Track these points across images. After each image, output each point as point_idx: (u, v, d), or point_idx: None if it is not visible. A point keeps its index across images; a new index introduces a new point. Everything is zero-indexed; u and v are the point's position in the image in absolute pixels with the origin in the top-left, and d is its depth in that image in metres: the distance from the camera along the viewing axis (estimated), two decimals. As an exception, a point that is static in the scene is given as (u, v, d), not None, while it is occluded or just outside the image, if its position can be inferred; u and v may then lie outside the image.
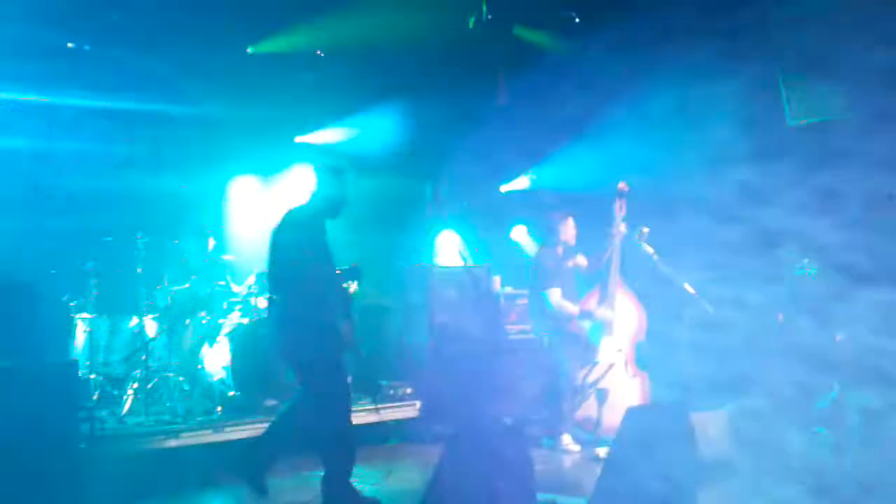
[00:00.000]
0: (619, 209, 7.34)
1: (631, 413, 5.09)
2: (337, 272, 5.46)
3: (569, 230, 7.40)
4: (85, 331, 7.37)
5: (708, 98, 7.99)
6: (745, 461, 5.99)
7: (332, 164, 5.73)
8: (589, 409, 7.15)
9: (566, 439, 7.13)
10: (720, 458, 5.91)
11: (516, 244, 10.93)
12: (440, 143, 10.13)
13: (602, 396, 7.08)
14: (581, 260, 7.51)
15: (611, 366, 7.16)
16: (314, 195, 5.57)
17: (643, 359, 7.32)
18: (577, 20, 9.27)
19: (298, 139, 10.31)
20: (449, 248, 9.67)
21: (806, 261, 9.37)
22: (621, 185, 7.39)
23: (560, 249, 7.41)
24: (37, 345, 6.16)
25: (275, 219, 5.56)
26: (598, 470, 5.50)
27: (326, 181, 5.57)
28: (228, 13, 8.48)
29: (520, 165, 10.89)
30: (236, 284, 7.97)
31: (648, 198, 7.67)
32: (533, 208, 10.50)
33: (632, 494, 4.76)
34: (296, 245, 5.36)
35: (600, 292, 7.27)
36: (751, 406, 6.60)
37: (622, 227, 7.30)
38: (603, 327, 7.20)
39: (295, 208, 5.58)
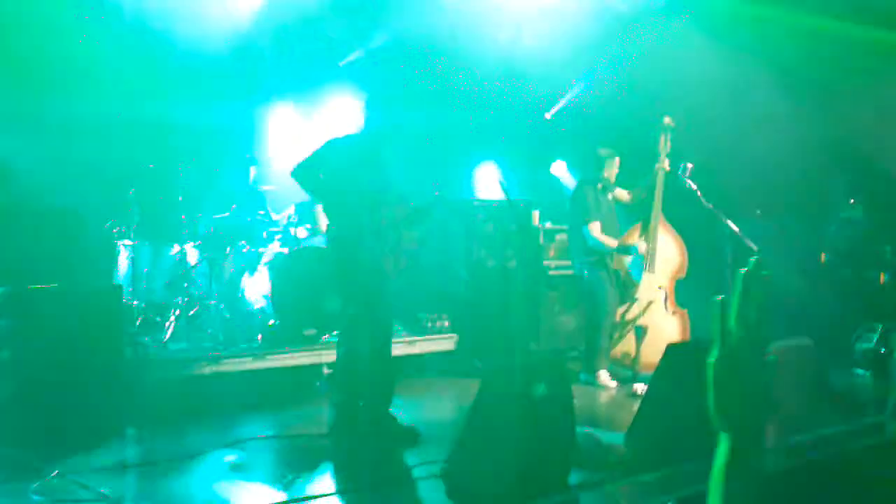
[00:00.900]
0: (664, 144, 7.21)
1: (670, 349, 5.07)
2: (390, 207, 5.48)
3: (614, 168, 7.28)
4: (128, 257, 7.45)
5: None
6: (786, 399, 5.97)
7: (381, 93, 5.69)
8: (627, 345, 7.13)
9: (603, 375, 7.13)
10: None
11: (556, 179, 10.83)
12: (482, 69, 9.98)
13: (641, 333, 7.04)
14: (621, 193, 7.41)
15: (650, 303, 7.11)
16: (367, 124, 5.55)
17: (683, 296, 7.26)
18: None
19: (343, 62, 10.18)
20: (488, 181, 9.61)
21: (852, 201, 9.22)
22: (666, 119, 7.24)
23: (600, 185, 7.30)
24: (81, 269, 6.26)
25: (322, 145, 5.57)
26: (635, 406, 5.51)
27: (375, 112, 5.55)
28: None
29: (563, 88, 10.73)
30: (276, 214, 7.98)
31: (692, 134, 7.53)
32: (576, 141, 10.37)
33: (669, 430, 4.76)
34: (347, 175, 5.37)
35: (641, 227, 7.18)
36: (793, 345, 6.54)
37: (665, 163, 7.17)
38: (643, 263, 7.13)
39: (345, 136, 5.57)
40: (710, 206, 6.99)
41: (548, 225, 8.90)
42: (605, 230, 7.16)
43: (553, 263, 8.60)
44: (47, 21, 8.13)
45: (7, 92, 7.72)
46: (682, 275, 7.17)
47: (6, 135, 7.94)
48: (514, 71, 10.01)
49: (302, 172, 5.46)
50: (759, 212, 9.58)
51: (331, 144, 5.51)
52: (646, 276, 7.13)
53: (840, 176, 9.76)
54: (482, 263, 8.36)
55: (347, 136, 5.62)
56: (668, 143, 7.21)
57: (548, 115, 11.03)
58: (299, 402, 6.77)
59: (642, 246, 7.05)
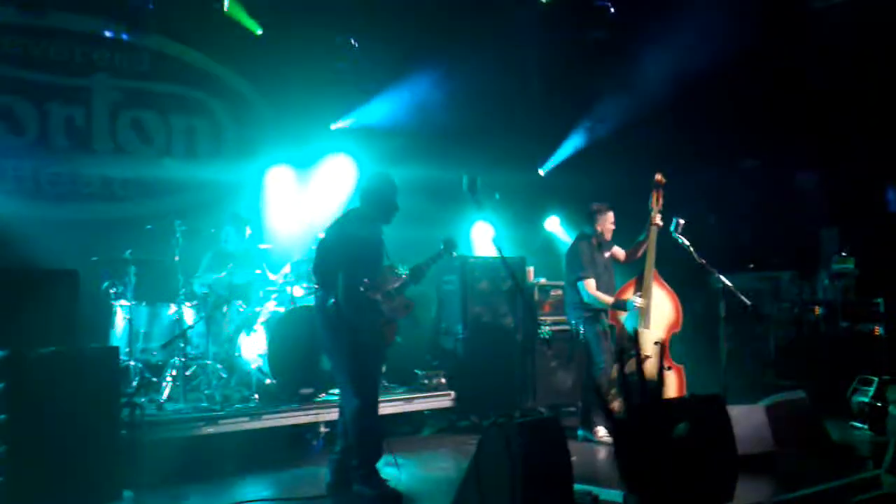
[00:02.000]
0: (656, 200, 7.30)
1: (667, 405, 5.08)
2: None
3: (607, 223, 7.36)
4: (125, 318, 7.47)
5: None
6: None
7: (382, 171, 5.84)
8: (617, 400, 7.12)
9: (601, 431, 7.13)
10: (757, 452, 5.90)
11: (551, 235, 10.93)
12: (474, 131, 10.16)
13: (636, 389, 7.03)
14: (618, 252, 7.49)
15: (646, 358, 7.10)
16: (366, 200, 5.74)
17: (679, 352, 7.27)
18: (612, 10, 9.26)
19: (334, 126, 10.36)
20: (483, 239, 9.69)
21: (843, 254, 9.32)
22: (658, 176, 7.34)
23: (595, 241, 7.37)
24: (79, 330, 6.28)
25: (328, 220, 5.72)
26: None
27: (378, 187, 5.72)
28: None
29: (554, 149, 10.91)
30: (272, 273, 8.03)
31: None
32: (570, 198, 10.50)
33: (667, 486, 4.75)
34: (348, 246, 5.50)
35: (636, 284, 7.23)
36: (788, 399, 6.57)
37: (658, 219, 7.25)
38: (638, 319, 7.17)
39: (349, 211, 5.82)
40: (703, 261, 7.07)
41: (542, 281, 8.96)
42: (600, 286, 7.21)
43: (548, 319, 8.63)
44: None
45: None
46: (678, 330, 7.19)
47: (3, 197, 8.06)
48: (508, 126, 10.22)
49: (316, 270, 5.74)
50: (752, 265, 9.68)
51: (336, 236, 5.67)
52: (641, 331, 7.16)
53: (832, 226, 9.90)
54: (478, 320, 8.39)
55: (355, 210, 5.77)
56: (661, 200, 7.29)
57: (541, 172, 11.19)
58: (297, 461, 6.74)
59: (639, 301, 7.10)
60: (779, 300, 9.31)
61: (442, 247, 5.92)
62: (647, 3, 9.13)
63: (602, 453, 6.85)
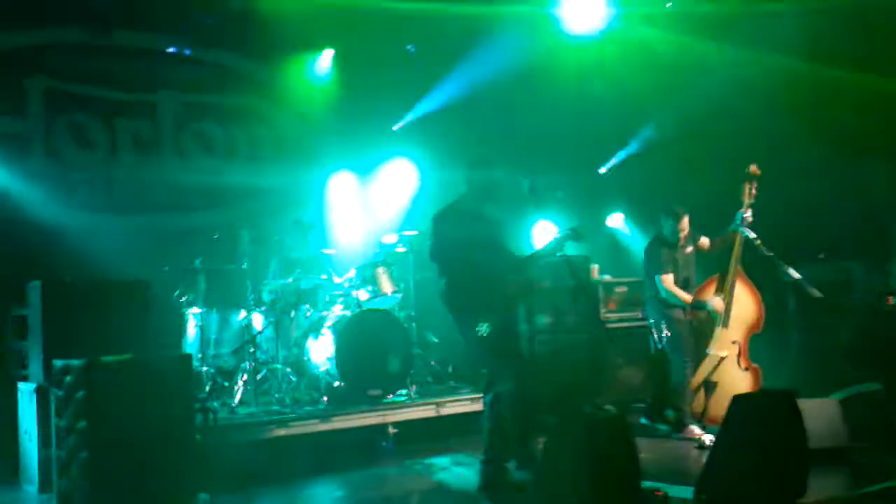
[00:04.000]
0: (749, 193, 7.08)
1: (736, 401, 5.02)
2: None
3: (680, 228, 7.20)
4: (196, 325, 7.65)
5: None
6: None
7: (479, 156, 5.81)
8: (698, 400, 7.02)
9: (696, 430, 6.96)
10: (831, 446, 5.79)
11: (614, 231, 10.86)
12: (533, 131, 10.16)
13: (710, 389, 6.92)
14: (704, 242, 7.33)
15: (722, 358, 6.97)
16: (471, 187, 5.73)
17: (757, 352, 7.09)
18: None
19: (395, 127, 10.46)
20: (546, 239, 9.65)
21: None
22: (752, 167, 7.12)
23: (682, 240, 7.24)
24: (152, 339, 6.47)
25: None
26: (703, 458, 5.46)
27: (480, 172, 5.71)
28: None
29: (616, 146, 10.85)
30: (338, 277, 8.13)
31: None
32: (633, 194, 10.43)
33: (738, 483, 4.71)
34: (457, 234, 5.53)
35: (719, 281, 7.08)
36: (863, 392, 6.42)
37: (749, 214, 7.03)
38: (718, 317, 7.02)
39: (457, 199, 5.76)
40: (771, 254, 6.92)
41: (607, 278, 8.90)
42: (679, 280, 7.11)
43: (614, 316, 8.58)
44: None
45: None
46: (758, 331, 6.97)
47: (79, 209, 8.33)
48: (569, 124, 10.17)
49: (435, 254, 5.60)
50: (822, 256, 9.46)
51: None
52: (719, 331, 7.00)
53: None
54: (542, 319, 8.38)
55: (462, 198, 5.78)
56: (754, 192, 7.06)
57: (603, 170, 11.12)
58: (366, 462, 6.83)
59: (716, 303, 6.96)
60: (850, 291, 9.09)
61: (567, 233, 5.79)
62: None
63: (671, 450, 6.78)
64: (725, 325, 6.95)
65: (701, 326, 7.13)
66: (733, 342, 6.97)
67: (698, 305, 7.02)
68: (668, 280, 7.08)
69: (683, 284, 7.16)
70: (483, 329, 5.22)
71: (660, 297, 7.13)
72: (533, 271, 5.77)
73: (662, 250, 7.20)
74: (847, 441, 5.90)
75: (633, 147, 10.72)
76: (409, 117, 10.33)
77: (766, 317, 7.09)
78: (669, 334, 7.13)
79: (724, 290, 7.00)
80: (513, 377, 5.38)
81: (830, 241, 9.02)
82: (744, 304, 7.04)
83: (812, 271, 7.91)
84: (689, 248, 7.28)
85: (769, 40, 8.44)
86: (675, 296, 7.05)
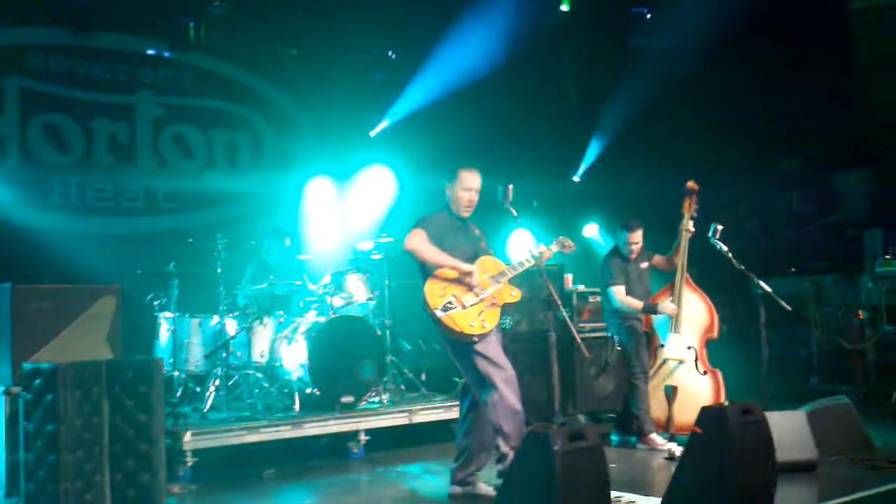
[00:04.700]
0: (688, 207, 7.26)
1: (703, 413, 5.06)
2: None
3: (632, 240, 7.29)
4: (168, 329, 7.61)
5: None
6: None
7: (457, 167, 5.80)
8: (660, 407, 7.11)
9: (658, 440, 7.04)
10: (799, 458, 5.85)
11: (589, 241, 10.92)
12: (510, 139, 10.21)
13: (670, 393, 7.03)
14: (658, 260, 7.44)
15: (679, 363, 7.10)
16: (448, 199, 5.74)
17: (716, 357, 7.21)
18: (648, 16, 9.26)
19: (373, 133, 10.47)
20: (520, 248, 9.70)
21: (887, 256, 9.20)
22: (690, 183, 7.30)
23: (633, 256, 7.33)
24: (125, 342, 6.45)
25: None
26: (671, 468, 5.50)
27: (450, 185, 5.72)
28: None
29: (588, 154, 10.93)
30: (312, 284, 8.13)
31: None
32: (608, 205, 10.49)
33: (706, 495, 4.74)
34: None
35: (670, 290, 7.21)
36: (831, 405, 6.50)
37: (690, 225, 7.22)
38: (670, 325, 7.14)
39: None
40: (742, 267, 7.01)
41: (581, 288, 8.94)
42: (633, 294, 7.20)
43: (587, 326, 8.62)
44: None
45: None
46: (712, 335, 7.13)
47: (51, 211, 8.28)
48: (543, 133, 10.24)
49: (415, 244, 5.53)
50: (793, 269, 9.59)
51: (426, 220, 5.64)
52: (672, 337, 7.13)
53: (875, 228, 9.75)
54: (516, 327, 8.40)
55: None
56: (693, 206, 7.25)
57: (575, 178, 11.19)
58: (337, 469, 6.82)
59: (665, 306, 7.08)
60: (821, 304, 9.21)
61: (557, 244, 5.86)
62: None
63: (639, 461, 6.82)
64: (677, 330, 7.08)
65: (653, 336, 7.24)
66: (689, 347, 7.08)
67: (649, 310, 7.12)
68: (618, 291, 7.18)
69: (644, 298, 7.24)
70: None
71: (612, 307, 7.22)
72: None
73: (615, 262, 7.30)
74: (815, 454, 5.96)
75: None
76: (387, 122, 10.34)
77: (736, 329, 7.19)
78: (620, 347, 7.25)
79: (674, 296, 7.11)
80: (493, 384, 5.38)
81: (802, 254, 9.15)
82: (694, 309, 7.17)
83: (783, 284, 8.03)
84: (644, 264, 7.37)
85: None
86: (626, 305, 7.14)
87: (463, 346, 5.42)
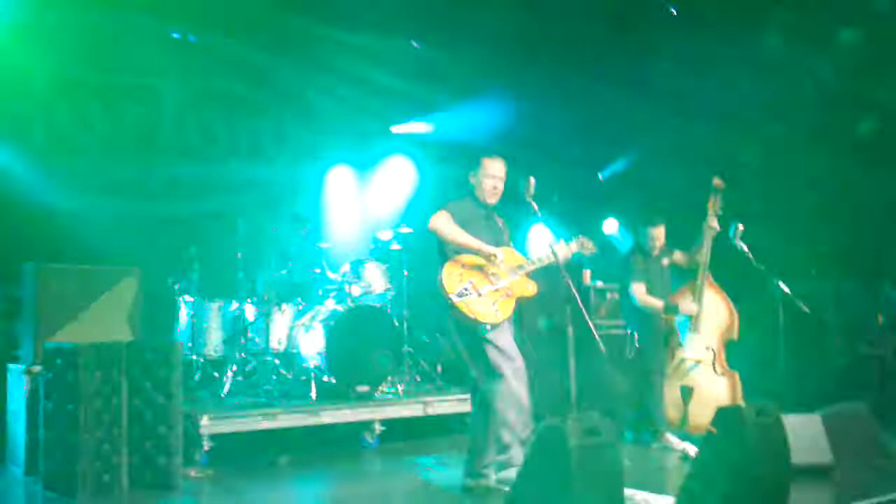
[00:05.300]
0: (713, 205, 7.22)
1: (720, 413, 5.06)
2: None
3: (654, 237, 7.27)
4: (188, 313, 7.67)
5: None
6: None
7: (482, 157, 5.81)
8: (675, 406, 7.10)
9: (672, 438, 7.04)
10: (814, 462, 5.83)
11: (609, 237, 10.88)
12: (534, 133, 10.18)
13: (686, 393, 7.02)
14: (678, 256, 7.41)
15: (697, 363, 7.07)
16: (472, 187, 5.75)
17: (734, 358, 7.19)
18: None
19: (394, 129, 10.49)
20: (540, 243, 9.68)
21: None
22: (716, 181, 7.26)
23: (655, 252, 7.31)
24: (145, 323, 6.52)
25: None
26: (685, 468, 5.50)
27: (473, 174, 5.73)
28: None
29: (616, 152, 10.86)
30: (332, 272, 8.16)
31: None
32: (629, 200, 10.45)
33: (720, 496, 4.74)
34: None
35: (690, 288, 7.19)
36: (847, 411, 6.47)
37: (714, 224, 7.18)
38: (690, 324, 7.12)
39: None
40: (762, 267, 6.99)
41: (599, 284, 8.93)
42: (653, 291, 7.18)
43: (605, 322, 8.61)
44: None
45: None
46: (732, 336, 7.11)
47: (76, 192, 8.34)
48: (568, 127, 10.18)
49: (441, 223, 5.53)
50: (813, 271, 9.52)
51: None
52: (691, 336, 7.11)
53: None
54: (533, 322, 8.40)
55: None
56: (718, 204, 7.20)
57: (600, 177, 11.14)
58: (351, 457, 6.87)
59: (686, 306, 7.05)
60: (841, 308, 9.15)
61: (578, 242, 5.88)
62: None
63: (654, 459, 6.82)
64: (696, 329, 7.06)
65: (672, 335, 7.21)
66: (707, 347, 7.06)
67: (670, 310, 7.09)
68: (639, 289, 7.16)
69: (664, 296, 7.22)
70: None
71: (632, 305, 7.21)
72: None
73: (636, 259, 7.27)
74: (830, 457, 5.94)
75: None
76: (411, 124, 10.37)
77: (754, 330, 7.17)
78: (639, 345, 7.22)
79: (695, 295, 7.09)
80: (502, 373, 5.40)
81: (823, 257, 9.07)
82: (714, 309, 7.15)
83: (803, 286, 7.96)
84: (665, 261, 7.34)
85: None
86: (646, 304, 7.13)
87: (474, 333, 5.45)
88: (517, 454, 5.37)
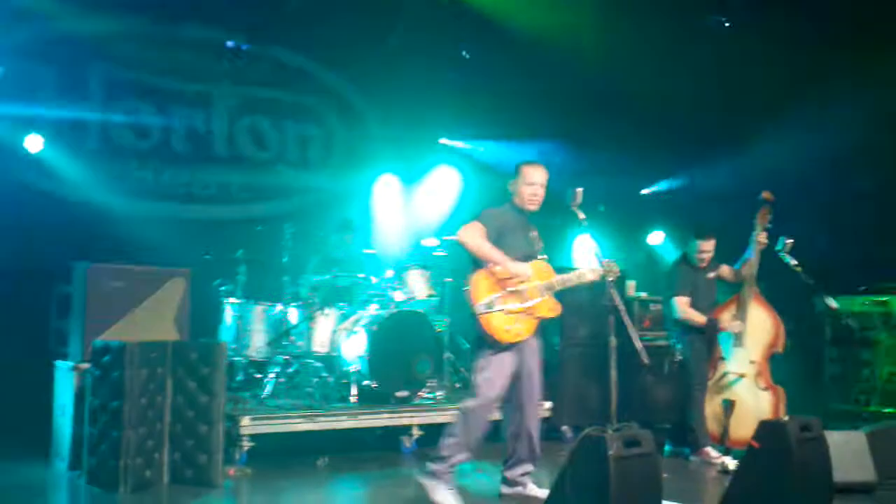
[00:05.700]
0: (762, 219, 7.14)
1: (762, 427, 5.01)
2: None
3: (703, 251, 7.20)
4: (233, 315, 7.78)
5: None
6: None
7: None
8: (714, 419, 7.02)
9: (713, 453, 6.97)
10: (857, 480, 5.74)
11: (654, 249, 10.82)
12: (581, 143, 10.18)
13: (728, 407, 6.94)
14: (725, 271, 7.34)
15: (740, 377, 6.98)
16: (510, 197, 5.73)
17: (780, 374, 7.09)
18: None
19: (443, 141, 10.57)
20: (584, 253, 9.66)
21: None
22: (765, 194, 7.17)
23: (702, 265, 7.24)
24: (192, 324, 6.64)
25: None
26: (724, 482, 5.45)
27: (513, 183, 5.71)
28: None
29: (661, 167, 10.80)
30: (375, 277, 8.21)
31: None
32: (675, 213, 10.38)
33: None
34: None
35: (736, 303, 7.11)
36: (893, 428, 6.35)
37: (763, 237, 7.10)
38: (734, 338, 7.03)
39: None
40: (811, 282, 6.89)
41: (643, 296, 8.87)
42: (698, 304, 7.12)
43: (648, 334, 8.55)
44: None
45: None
46: (777, 350, 7.02)
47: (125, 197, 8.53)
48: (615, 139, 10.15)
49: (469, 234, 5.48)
50: (863, 288, 9.36)
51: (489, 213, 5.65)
52: (735, 350, 7.03)
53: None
54: (575, 333, 8.37)
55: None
56: (767, 217, 7.11)
57: (646, 191, 11.09)
58: (389, 462, 6.92)
59: (728, 324, 6.97)
60: (889, 326, 8.97)
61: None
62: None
63: (692, 472, 6.76)
64: (741, 344, 6.97)
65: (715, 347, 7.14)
66: (751, 362, 6.97)
67: (712, 328, 7.02)
68: (682, 301, 7.10)
69: (708, 309, 7.14)
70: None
71: (674, 317, 7.15)
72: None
73: (683, 271, 7.22)
74: (873, 476, 5.84)
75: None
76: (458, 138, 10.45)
77: (800, 345, 7.07)
78: (681, 357, 7.16)
79: (738, 311, 7.01)
80: (476, 395, 5.42)
81: (872, 273, 8.92)
82: (759, 324, 7.05)
83: (851, 303, 7.85)
84: (711, 274, 7.27)
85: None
86: (688, 317, 7.06)
87: (482, 346, 5.44)
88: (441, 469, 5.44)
